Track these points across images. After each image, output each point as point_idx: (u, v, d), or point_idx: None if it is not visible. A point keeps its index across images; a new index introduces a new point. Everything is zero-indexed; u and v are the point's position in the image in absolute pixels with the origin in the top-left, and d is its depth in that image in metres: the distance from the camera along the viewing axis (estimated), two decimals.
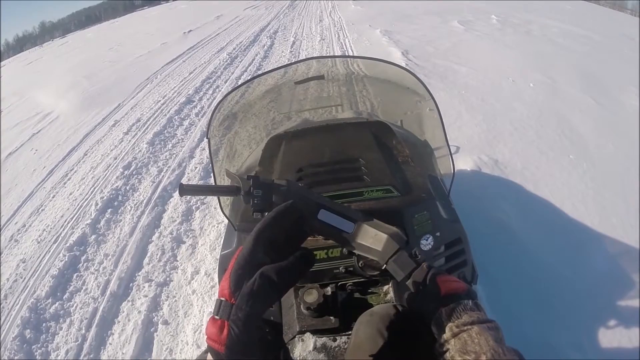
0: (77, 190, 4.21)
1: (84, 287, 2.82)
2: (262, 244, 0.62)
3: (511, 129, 4.20)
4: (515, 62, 6.88)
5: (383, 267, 0.80)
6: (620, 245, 2.59)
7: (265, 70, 7.31)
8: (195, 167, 4.14)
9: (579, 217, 2.87)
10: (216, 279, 2.54)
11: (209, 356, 0.58)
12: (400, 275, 0.77)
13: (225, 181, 1.45)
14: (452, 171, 1.53)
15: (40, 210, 4.04)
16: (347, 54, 7.77)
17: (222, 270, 1.41)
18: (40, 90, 10.10)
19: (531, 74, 6.14)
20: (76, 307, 2.67)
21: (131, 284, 2.76)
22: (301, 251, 0.65)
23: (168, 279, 2.74)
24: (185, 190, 1.06)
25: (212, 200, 3.39)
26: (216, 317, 0.57)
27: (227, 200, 1.55)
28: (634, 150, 3.73)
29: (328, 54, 8.16)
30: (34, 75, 15.41)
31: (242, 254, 0.61)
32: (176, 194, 3.62)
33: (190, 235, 3.11)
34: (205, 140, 4.53)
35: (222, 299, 0.58)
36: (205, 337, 0.58)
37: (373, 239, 0.81)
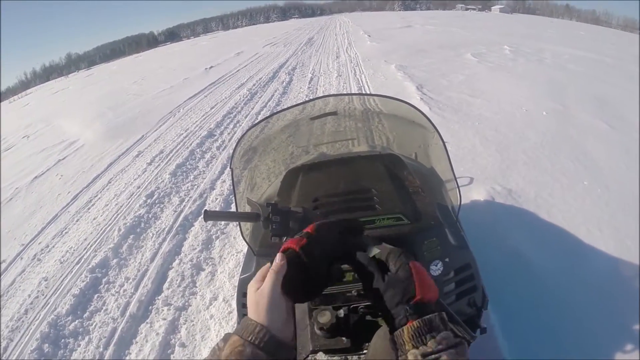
0: (101, 215, 4.37)
1: (104, 308, 2.93)
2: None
3: (525, 158, 4.29)
4: (528, 91, 7.05)
5: None
6: (635, 268, 2.62)
7: (284, 106, 7.57)
8: (216, 199, 4.26)
9: (594, 242, 2.91)
10: (234, 305, 2.62)
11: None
12: None
13: (246, 209, 1.53)
14: (459, 199, 1.61)
15: (64, 232, 4.20)
16: (361, 91, 7.93)
17: (240, 294, 1.49)
18: (66, 118, 10.51)
19: (544, 102, 6.30)
20: (95, 325, 2.78)
21: (150, 307, 2.86)
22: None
23: (187, 303, 2.83)
24: (210, 215, 1.23)
25: (232, 230, 3.52)
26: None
27: (247, 226, 1.63)
28: None
29: (344, 90, 8.34)
30: (60, 104, 15.99)
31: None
32: (197, 223, 3.77)
33: (210, 263, 3.21)
34: (226, 172, 4.73)
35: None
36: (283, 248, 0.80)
37: None
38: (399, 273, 0.76)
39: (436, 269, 1.33)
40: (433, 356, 0.62)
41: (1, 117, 15.39)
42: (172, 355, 2.47)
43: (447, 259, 1.35)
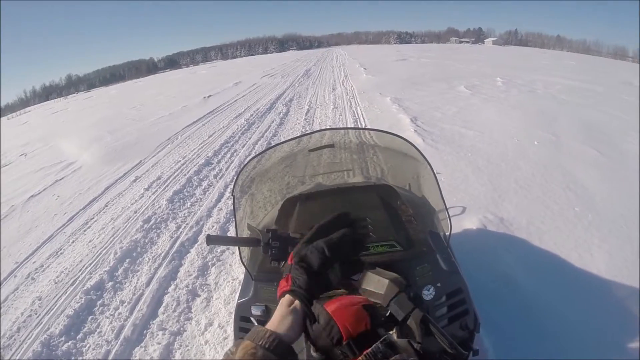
0: (97, 238, 4.41)
1: (98, 330, 2.96)
2: (320, 234, 0.96)
3: (516, 187, 4.41)
4: (520, 122, 7.27)
5: (387, 313, 0.93)
6: (626, 289, 2.70)
7: (281, 137, 7.70)
8: (213, 226, 4.29)
9: (585, 265, 2.99)
10: (229, 331, 2.68)
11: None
12: (400, 315, 0.90)
13: (247, 235, 1.60)
14: (450, 227, 1.65)
15: (59, 253, 4.24)
16: (356, 125, 8.06)
17: (238, 317, 1.54)
18: (64, 139, 10.60)
19: (535, 132, 6.51)
20: (89, 347, 2.79)
21: (145, 331, 2.88)
22: (345, 229, 0.97)
23: (182, 328, 2.86)
24: (212, 240, 1.34)
25: (228, 257, 3.60)
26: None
27: (246, 251, 1.69)
28: (637, 193, 3.92)
29: (341, 123, 8.50)
30: (59, 124, 16.07)
31: (304, 239, 0.97)
32: (193, 250, 3.82)
33: (206, 290, 3.24)
34: (223, 201, 4.83)
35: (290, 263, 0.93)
36: (278, 291, 0.90)
37: (376, 284, 0.97)
38: (319, 320, 0.81)
39: (428, 293, 1.39)
40: None
41: (0, 134, 15.43)
42: None
43: (439, 284, 1.41)
